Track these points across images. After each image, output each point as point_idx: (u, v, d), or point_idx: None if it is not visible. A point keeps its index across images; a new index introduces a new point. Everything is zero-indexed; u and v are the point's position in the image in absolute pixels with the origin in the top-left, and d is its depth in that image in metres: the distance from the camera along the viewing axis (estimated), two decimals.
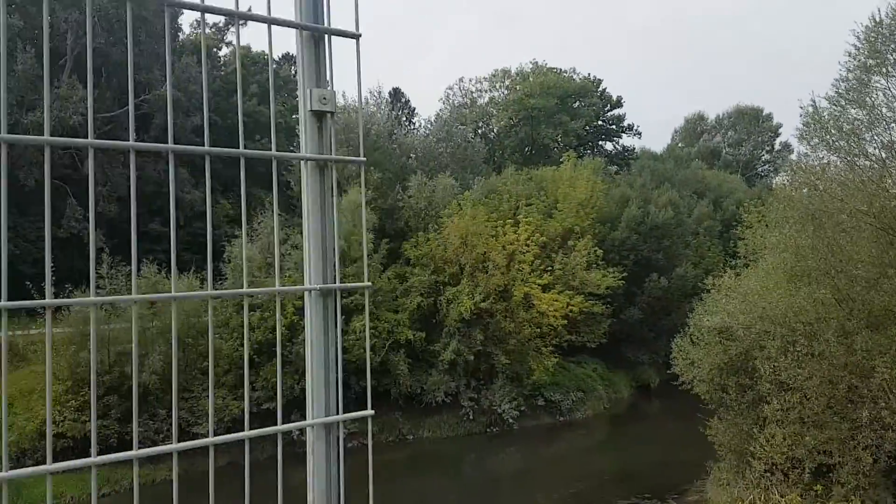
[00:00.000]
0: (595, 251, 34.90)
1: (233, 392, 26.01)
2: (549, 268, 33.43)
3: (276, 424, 1.47)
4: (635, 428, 33.31)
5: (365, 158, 1.60)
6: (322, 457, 1.44)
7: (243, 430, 1.45)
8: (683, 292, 37.40)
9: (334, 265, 1.49)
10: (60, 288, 24.81)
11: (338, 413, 1.46)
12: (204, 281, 24.73)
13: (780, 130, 73.25)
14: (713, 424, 19.76)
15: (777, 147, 73.75)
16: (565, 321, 32.10)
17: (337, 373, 1.47)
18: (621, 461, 27.28)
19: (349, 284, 1.45)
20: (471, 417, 30.84)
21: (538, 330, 32.10)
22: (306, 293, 1.48)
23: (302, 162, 1.52)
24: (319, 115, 1.54)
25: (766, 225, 20.51)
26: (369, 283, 1.53)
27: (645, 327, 39.15)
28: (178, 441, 1.31)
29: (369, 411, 1.44)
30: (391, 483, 25.12)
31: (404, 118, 50.24)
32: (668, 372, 25.11)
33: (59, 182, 35.21)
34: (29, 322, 27.86)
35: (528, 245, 33.17)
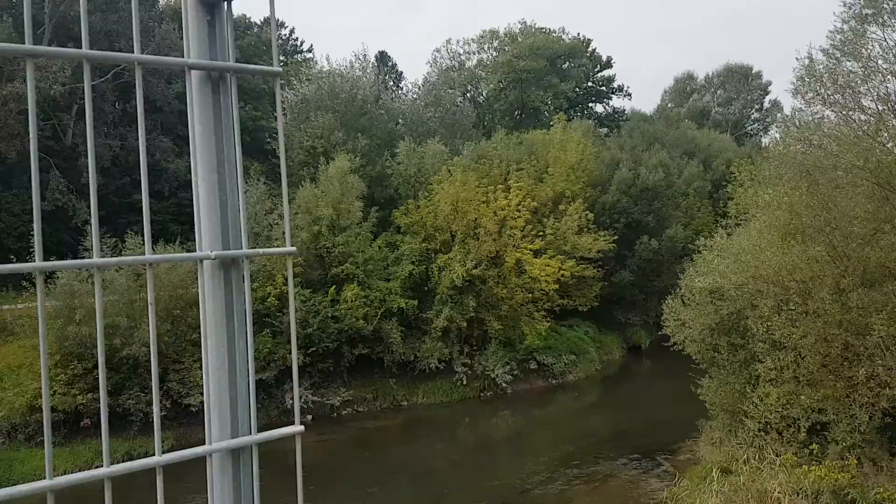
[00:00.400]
0: (586, 215, 34.65)
1: None
2: (541, 233, 33.20)
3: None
4: (627, 388, 33.59)
5: (280, 69, 1.09)
6: (228, 493, 1.00)
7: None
8: (674, 254, 37.41)
9: (239, 224, 1.02)
10: (45, 260, 24.37)
11: (250, 432, 1.00)
12: (190, 250, 24.31)
13: (770, 88, 72.58)
14: (704, 384, 19.77)
15: (766, 105, 73.14)
16: (557, 286, 32.02)
17: (248, 374, 1.01)
18: (613, 421, 27.52)
19: (264, 249, 1.08)
20: (464, 382, 30.94)
21: (530, 295, 32.02)
22: (199, 263, 1.04)
23: (186, 72, 1.04)
24: (209, 6, 1.05)
25: (759, 183, 20.22)
26: (293, 249, 1.06)
27: (636, 289, 39.21)
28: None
29: (298, 427, 1.01)
30: (386, 448, 25.27)
31: (391, 82, 49.21)
32: (660, 333, 25.12)
33: (41, 154, 34.30)
34: (16, 296, 27.49)
35: (519, 210, 32.84)
